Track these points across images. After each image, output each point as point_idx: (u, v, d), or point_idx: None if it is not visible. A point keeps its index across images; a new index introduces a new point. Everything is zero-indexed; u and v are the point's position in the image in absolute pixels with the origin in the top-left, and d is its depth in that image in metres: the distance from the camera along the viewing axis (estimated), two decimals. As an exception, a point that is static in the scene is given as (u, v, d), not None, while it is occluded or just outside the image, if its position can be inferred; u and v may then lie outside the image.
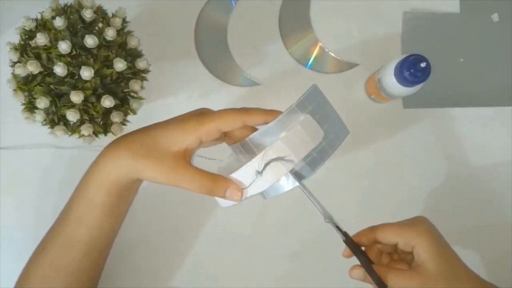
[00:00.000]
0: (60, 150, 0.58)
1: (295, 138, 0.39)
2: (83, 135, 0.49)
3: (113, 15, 0.51)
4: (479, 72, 0.60)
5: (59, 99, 0.47)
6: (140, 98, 0.53)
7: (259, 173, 0.38)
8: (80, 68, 0.46)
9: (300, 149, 0.39)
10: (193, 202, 0.58)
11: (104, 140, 0.50)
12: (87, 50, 0.47)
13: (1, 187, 0.58)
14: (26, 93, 0.48)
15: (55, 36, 0.47)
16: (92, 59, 0.47)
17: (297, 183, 0.40)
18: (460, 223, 0.57)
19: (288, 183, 0.41)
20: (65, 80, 0.47)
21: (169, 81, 0.59)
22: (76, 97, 0.46)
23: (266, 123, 0.40)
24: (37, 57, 0.47)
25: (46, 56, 0.46)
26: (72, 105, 0.47)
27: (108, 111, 0.50)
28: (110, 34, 0.48)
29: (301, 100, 0.39)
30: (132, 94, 0.52)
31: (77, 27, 0.48)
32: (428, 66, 0.46)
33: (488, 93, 0.59)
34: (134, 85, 0.51)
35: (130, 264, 0.57)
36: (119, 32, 0.50)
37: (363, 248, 0.44)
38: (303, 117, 0.39)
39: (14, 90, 0.48)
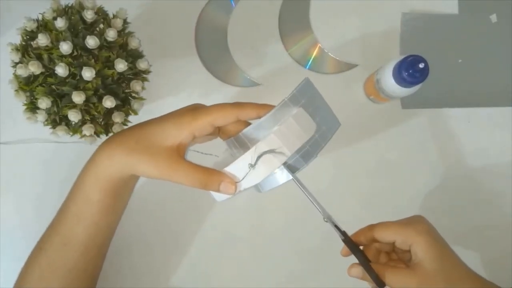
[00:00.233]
0: (61, 148, 0.58)
1: (288, 131, 0.39)
2: (84, 135, 0.49)
3: (114, 16, 0.51)
4: (477, 72, 0.60)
5: (60, 99, 0.47)
6: (141, 99, 0.54)
7: (252, 166, 0.39)
8: (81, 68, 0.46)
9: (293, 142, 0.39)
10: (192, 201, 0.58)
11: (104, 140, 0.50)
12: (88, 50, 0.48)
13: (1, 185, 0.59)
14: (28, 94, 0.48)
15: (56, 37, 0.47)
16: (93, 60, 0.47)
17: (291, 176, 0.41)
18: (459, 223, 0.57)
19: (282, 176, 0.41)
20: (67, 80, 0.47)
21: (170, 82, 0.59)
22: (78, 98, 0.46)
23: (259, 117, 0.40)
24: (39, 57, 0.47)
25: (48, 56, 0.47)
26: (74, 106, 0.48)
27: (109, 112, 0.50)
28: (111, 35, 0.48)
29: (294, 93, 0.40)
30: (133, 94, 0.53)
31: (78, 28, 0.48)
32: (426, 67, 0.47)
33: (486, 94, 0.60)
34: (135, 85, 0.51)
35: (129, 264, 0.57)
36: (120, 33, 0.50)
37: (361, 247, 0.44)
38: (295, 110, 0.40)
39: (16, 90, 0.49)
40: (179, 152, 0.41)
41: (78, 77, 0.47)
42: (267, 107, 0.40)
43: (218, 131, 0.44)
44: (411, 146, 0.59)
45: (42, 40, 0.46)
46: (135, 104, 0.52)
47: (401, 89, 0.50)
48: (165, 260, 0.58)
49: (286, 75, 0.60)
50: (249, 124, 0.42)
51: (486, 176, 0.59)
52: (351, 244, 0.42)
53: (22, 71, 0.47)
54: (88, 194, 0.42)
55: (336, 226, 0.42)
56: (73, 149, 0.57)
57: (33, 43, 0.48)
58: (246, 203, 0.58)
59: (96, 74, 0.46)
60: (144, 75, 0.54)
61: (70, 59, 0.47)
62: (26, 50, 0.48)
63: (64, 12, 0.49)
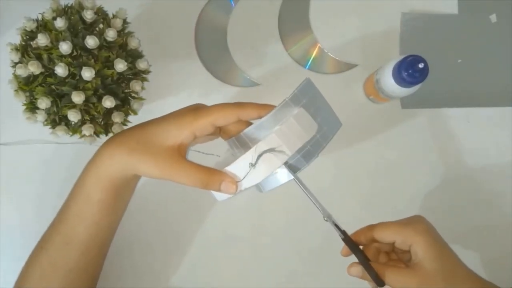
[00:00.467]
0: (61, 148, 0.58)
1: (289, 131, 0.39)
2: (84, 135, 0.49)
3: (114, 16, 0.51)
4: (477, 72, 0.60)
5: (60, 99, 0.47)
6: (141, 99, 0.54)
7: (253, 166, 0.39)
8: (81, 68, 0.46)
9: (294, 141, 0.39)
10: (193, 201, 0.58)
11: (105, 140, 0.50)
12: (88, 50, 0.48)
13: (1, 185, 0.59)
14: (28, 94, 0.48)
15: (56, 37, 0.47)
16: (93, 60, 0.47)
17: (292, 176, 0.41)
18: (459, 223, 0.57)
19: (283, 176, 0.41)
20: (66, 80, 0.47)
21: (170, 82, 0.59)
22: (77, 98, 0.46)
23: (260, 117, 0.40)
24: (38, 57, 0.47)
25: (47, 56, 0.47)
26: (73, 106, 0.48)
27: (109, 112, 0.50)
28: (110, 35, 0.48)
29: (295, 93, 0.40)
30: (132, 94, 0.53)
31: (78, 28, 0.48)
32: (426, 67, 0.47)
33: (486, 94, 0.60)
34: (135, 85, 0.51)
35: (129, 264, 0.57)
36: (120, 33, 0.50)
37: (361, 247, 0.44)
38: (296, 110, 0.40)
39: (16, 90, 0.49)
40: (180, 152, 0.41)
41: (77, 77, 0.47)
42: (268, 107, 0.40)
43: (219, 131, 0.44)
44: (411, 146, 0.59)
45: (42, 40, 0.46)
46: (134, 104, 0.52)
47: (400, 89, 0.50)
48: (166, 260, 0.58)
49: (286, 75, 0.60)
50: (250, 124, 0.42)
51: (486, 176, 0.59)
52: (351, 243, 0.42)
53: (21, 71, 0.47)
54: (89, 193, 0.42)
55: (336, 226, 0.42)
56: (72, 149, 0.57)
57: (33, 43, 0.48)
58: (247, 203, 0.58)
59: (95, 74, 0.46)
60: (144, 75, 0.54)
61: (69, 59, 0.47)
62: (25, 50, 0.48)
63: (63, 12, 0.49)
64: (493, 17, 0.60)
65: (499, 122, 0.59)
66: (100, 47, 0.48)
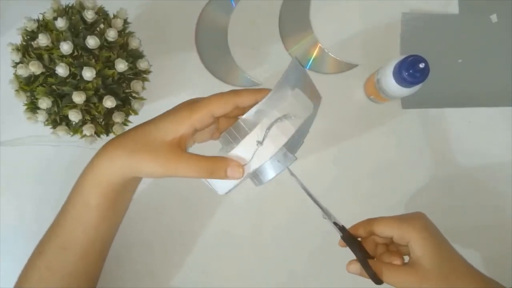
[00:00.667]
0: (62, 149, 0.58)
1: (289, 109, 0.39)
2: (85, 135, 0.49)
3: (115, 16, 0.51)
4: (477, 72, 0.60)
5: (61, 99, 0.47)
6: (142, 99, 0.54)
7: (260, 143, 0.38)
8: (82, 68, 0.46)
9: (295, 119, 0.39)
10: (192, 202, 0.58)
11: (106, 140, 0.50)
12: (89, 51, 0.48)
13: (2, 185, 0.59)
14: (28, 94, 0.48)
15: (57, 37, 0.47)
16: (93, 60, 0.47)
17: (288, 162, 0.40)
18: (459, 223, 0.57)
19: (275, 168, 0.41)
20: (67, 80, 0.47)
21: (170, 82, 0.59)
22: (78, 98, 0.46)
23: (257, 102, 0.40)
24: (39, 57, 0.47)
25: (48, 56, 0.47)
26: (74, 106, 0.48)
27: (109, 112, 0.50)
28: (111, 35, 0.48)
29: (287, 74, 0.40)
30: (133, 94, 0.53)
31: (78, 28, 0.48)
32: (426, 67, 0.47)
33: (486, 94, 0.60)
34: (136, 85, 0.51)
35: (129, 265, 0.57)
36: (121, 33, 0.50)
37: (359, 239, 0.44)
38: (291, 91, 0.39)
39: (16, 90, 0.49)
40: (180, 146, 0.40)
41: (78, 77, 0.47)
42: (264, 91, 0.40)
43: (218, 122, 0.44)
44: (411, 146, 0.59)
45: (43, 40, 0.46)
46: (135, 104, 0.52)
47: (401, 89, 0.50)
48: (166, 261, 0.58)
49: (286, 75, 0.60)
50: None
51: (486, 176, 0.59)
52: (350, 240, 0.42)
53: (22, 71, 0.47)
54: (87, 198, 0.42)
55: (335, 223, 0.42)
56: (73, 150, 0.57)
57: (34, 43, 0.48)
58: (247, 203, 0.58)
59: (96, 74, 0.46)
60: (145, 75, 0.54)
61: (70, 59, 0.47)
62: (26, 50, 0.48)
63: (64, 12, 0.49)
64: (494, 17, 0.60)
65: (499, 122, 0.59)
66: (101, 47, 0.48)
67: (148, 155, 0.39)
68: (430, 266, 0.40)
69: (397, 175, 0.59)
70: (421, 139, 0.59)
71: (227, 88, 0.59)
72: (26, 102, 0.49)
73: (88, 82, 0.47)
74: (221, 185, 0.40)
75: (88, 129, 0.49)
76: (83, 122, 0.49)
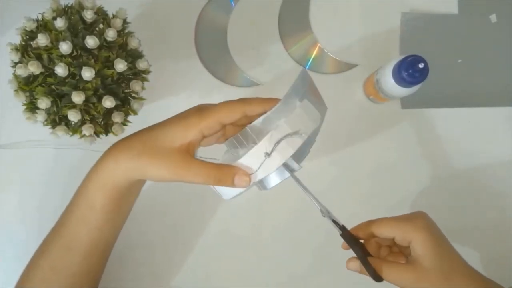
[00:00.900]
0: (62, 150, 0.58)
1: (297, 121, 0.39)
2: (84, 135, 0.49)
3: (114, 16, 0.51)
4: (477, 72, 0.60)
5: (60, 99, 0.47)
6: (141, 99, 0.54)
7: (268, 154, 0.38)
8: (81, 68, 0.46)
9: (303, 130, 0.39)
10: (193, 202, 0.58)
11: (105, 140, 0.50)
12: (88, 50, 0.48)
13: (2, 186, 0.59)
14: (28, 94, 0.48)
15: (56, 37, 0.47)
16: (93, 60, 0.47)
17: (288, 175, 0.41)
18: (459, 223, 0.57)
19: (280, 176, 0.41)
20: (66, 80, 0.47)
21: (170, 82, 0.59)
22: (77, 98, 0.46)
23: (266, 111, 0.40)
24: (38, 57, 0.47)
25: (47, 56, 0.47)
26: (73, 106, 0.47)
27: (109, 112, 0.50)
28: (110, 35, 0.48)
29: (296, 85, 0.40)
30: (133, 94, 0.53)
31: (78, 28, 0.48)
32: (426, 67, 0.47)
33: (486, 94, 0.60)
34: (135, 85, 0.51)
35: (131, 265, 0.57)
36: (120, 33, 0.50)
37: (362, 241, 0.44)
38: (300, 101, 0.40)
39: (16, 90, 0.48)
40: (189, 152, 0.40)
41: (77, 77, 0.47)
42: (273, 101, 0.40)
43: (225, 129, 0.44)
44: (411, 146, 0.59)
45: (42, 40, 0.46)
46: (134, 104, 0.52)
47: (401, 89, 0.50)
48: (167, 261, 0.58)
49: (286, 75, 0.60)
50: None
51: (486, 176, 0.59)
52: (349, 238, 0.42)
53: (21, 71, 0.47)
54: (92, 200, 0.42)
55: (334, 221, 0.42)
56: (73, 151, 0.57)
57: (33, 43, 0.48)
58: (247, 203, 0.58)
59: (95, 74, 0.46)
60: (144, 75, 0.53)
61: (69, 59, 0.46)
62: (25, 50, 0.48)
63: (63, 12, 0.49)
64: (493, 17, 0.60)
65: (499, 122, 0.59)
66: (100, 47, 0.48)
67: (157, 159, 0.40)
68: (430, 265, 0.40)
69: (396, 175, 0.59)
70: (420, 139, 0.59)
71: (226, 88, 0.60)
72: (25, 102, 0.49)
73: (87, 82, 0.47)
74: (227, 192, 0.41)
75: (87, 129, 0.49)
76: (82, 122, 0.49)
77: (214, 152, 0.44)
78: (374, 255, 0.43)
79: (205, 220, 0.58)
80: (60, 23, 0.46)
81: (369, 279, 0.42)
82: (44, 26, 0.48)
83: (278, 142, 0.38)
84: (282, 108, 0.39)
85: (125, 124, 0.52)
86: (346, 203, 0.58)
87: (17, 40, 0.49)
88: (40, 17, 0.49)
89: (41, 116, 0.48)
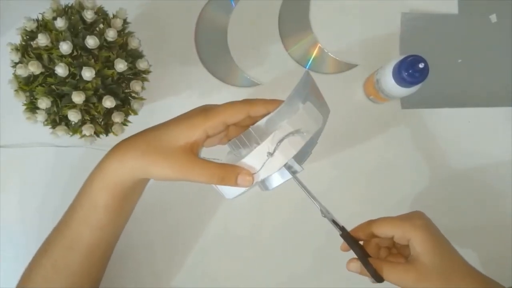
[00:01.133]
0: (62, 149, 0.58)
1: (300, 122, 0.40)
2: (84, 135, 0.49)
3: (114, 16, 0.51)
4: (477, 72, 0.60)
5: (60, 99, 0.47)
6: (141, 99, 0.54)
7: (271, 154, 0.39)
8: (81, 68, 0.46)
9: (306, 131, 0.40)
10: (194, 202, 0.58)
11: (105, 140, 0.50)
12: (88, 50, 0.48)
13: (2, 186, 0.59)
14: (28, 94, 0.48)
15: (56, 37, 0.47)
16: (93, 60, 0.47)
17: (290, 176, 0.41)
18: (459, 223, 0.57)
19: (282, 176, 0.42)
20: (67, 80, 0.47)
21: (170, 82, 0.59)
22: (78, 98, 0.46)
23: (269, 112, 0.40)
24: (38, 57, 0.47)
25: (47, 56, 0.47)
26: (74, 106, 0.47)
27: (109, 112, 0.50)
28: (111, 35, 0.48)
29: (299, 87, 0.40)
30: (133, 94, 0.53)
31: (78, 28, 0.48)
32: (426, 67, 0.47)
33: (486, 94, 0.60)
34: (135, 85, 0.51)
35: (131, 264, 0.57)
36: (120, 33, 0.50)
37: (361, 243, 0.44)
38: (303, 103, 0.40)
39: (16, 90, 0.48)
40: (193, 151, 0.40)
41: (78, 77, 0.47)
42: (277, 102, 0.41)
43: (227, 130, 0.45)
44: (411, 146, 0.59)
45: (42, 40, 0.46)
46: (135, 104, 0.52)
47: (401, 89, 0.50)
48: (168, 261, 0.58)
49: (286, 75, 0.60)
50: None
51: (486, 176, 0.59)
52: (349, 238, 0.42)
53: (22, 71, 0.47)
54: (95, 199, 0.42)
55: (334, 222, 0.42)
56: (74, 151, 0.57)
57: (33, 43, 0.48)
58: (247, 203, 0.58)
59: (96, 74, 0.46)
60: (144, 75, 0.53)
61: (70, 59, 0.47)
62: (26, 50, 0.48)
63: (64, 12, 0.49)
64: (493, 17, 0.60)
65: (499, 122, 0.59)
66: (100, 47, 0.48)
67: (162, 158, 0.40)
68: (430, 264, 0.40)
69: (396, 175, 0.59)
70: (420, 139, 0.59)
71: (226, 88, 0.60)
72: (25, 102, 0.49)
73: (87, 82, 0.47)
74: (229, 191, 0.41)
75: (87, 129, 0.49)
76: (83, 122, 0.49)
77: (216, 153, 0.44)
78: (373, 256, 0.43)
79: (206, 220, 0.58)
80: (60, 23, 0.47)
81: (368, 280, 0.42)
82: (44, 26, 0.48)
83: (280, 141, 0.39)
84: (285, 110, 0.40)
85: (125, 124, 0.52)
86: (346, 203, 0.58)
87: (17, 40, 0.49)
88: (40, 17, 0.49)
89: (41, 116, 0.48)
